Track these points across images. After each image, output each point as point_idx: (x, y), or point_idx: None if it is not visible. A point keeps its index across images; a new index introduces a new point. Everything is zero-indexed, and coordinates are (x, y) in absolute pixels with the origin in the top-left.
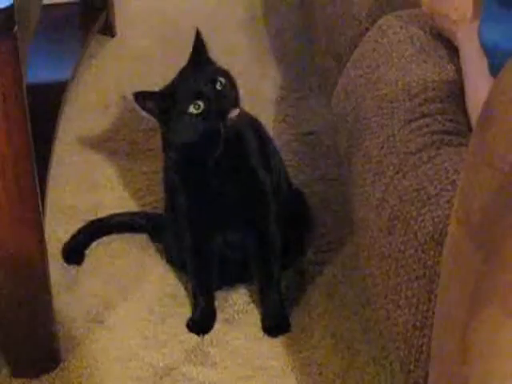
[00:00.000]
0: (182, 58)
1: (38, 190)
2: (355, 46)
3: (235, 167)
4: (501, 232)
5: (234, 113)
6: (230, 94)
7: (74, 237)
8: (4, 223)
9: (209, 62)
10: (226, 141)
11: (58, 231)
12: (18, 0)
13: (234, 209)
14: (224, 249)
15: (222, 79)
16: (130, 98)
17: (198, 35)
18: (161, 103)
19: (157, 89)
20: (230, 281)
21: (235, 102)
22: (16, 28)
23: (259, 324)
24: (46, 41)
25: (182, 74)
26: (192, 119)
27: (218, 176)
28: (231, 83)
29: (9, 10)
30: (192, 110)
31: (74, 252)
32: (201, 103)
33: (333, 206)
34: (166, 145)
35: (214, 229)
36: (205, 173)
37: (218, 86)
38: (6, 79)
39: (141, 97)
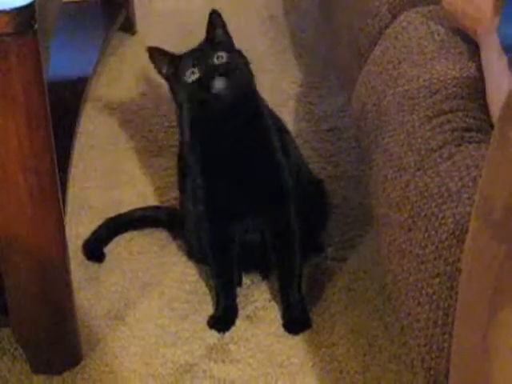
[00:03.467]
0: None
1: (59, 187)
2: (376, 43)
3: (253, 152)
4: None
5: (219, 83)
6: (229, 67)
7: (94, 234)
8: (26, 220)
9: (218, 38)
10: (244, 124)
11: (79, 228)
12: None
13: (252, 196)
14: (244, 241)
15: (223, 53)
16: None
17: (211, 14)
18: (167, 65)
19: None
20: (251, 271)
21: (238, 79)
22: (36, 26)
23: (280, 321)
24: (67, 38)
25: (194, 47)
26: (187, 86)
27: (235, 160)
28: (236, 60)
29: (29, 7)
30: (187, 76)
31: (95, 249)
32: (195, 71)
33: (353, 202)
34: (179, 118)
35: (233, 217)
36: (221, 155)
37: (216, 59)
38: (28, 76)
39: (154, 52)
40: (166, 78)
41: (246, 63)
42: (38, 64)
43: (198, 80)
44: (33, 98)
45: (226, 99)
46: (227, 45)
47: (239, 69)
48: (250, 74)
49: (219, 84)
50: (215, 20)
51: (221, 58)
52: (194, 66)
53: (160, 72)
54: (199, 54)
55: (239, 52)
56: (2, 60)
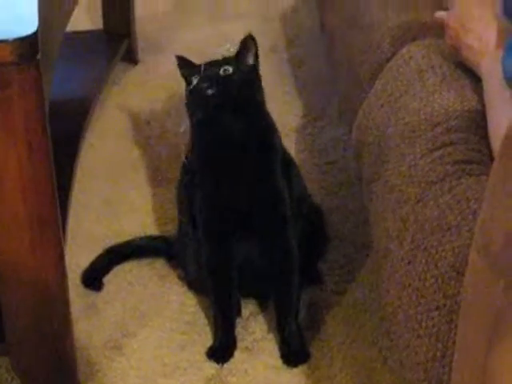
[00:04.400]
0: None
1: (59, 216)
2: (377, 76)
3: (255, 175)
4: None
5: (210, 90)
6: (231, 81)
7: (93, 263)
8: (25, 249)
9: (239, 56)
10: (247, 141)
11: (79, 258)
12: (41, 28)
13: (252, 220)
14: (243, 268)
15: (229, 67)
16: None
17: (246, 39)
18: (186, 73)
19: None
20: (249, 298)
21: (238, 91)
22: (39, 56)
23: (278, 353)
24: (69, 68)
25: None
26: (190, 91)
27: (236, 179)
28: (244, 76)
29: (32, 37)
30: (194, 81)
31: (94, 278)
32: (198, 78)
33: (353, 235)
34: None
35: (232, 240)
36: (222, 173)
37: (222, 72)
38: (29, 106)
39: (179, 61)
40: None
41: (257, 82)
42: (40, 94)
43: (196, 85)
44: (34, 128)
45: (217, 106)
46: (243, 63)
47: (243, 84)
48: (258, 93)
49: (210, 91)
50: (248, 44)
51: (227, 70)
52: (199, 74)
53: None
54: (210, 65)
55: (255, 72)
56: (3, 89)
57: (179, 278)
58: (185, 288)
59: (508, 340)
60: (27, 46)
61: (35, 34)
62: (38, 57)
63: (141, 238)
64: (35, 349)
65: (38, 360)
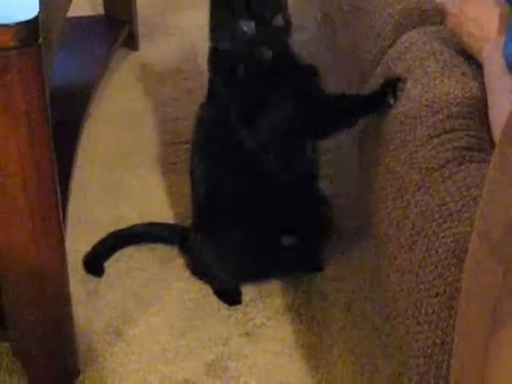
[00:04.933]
0: (204, 75)
1: (60, 201)
2: (378, 62)
3: None
4: None
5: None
6: (279, 32)
7: (94, 248)
8: (26, 234)
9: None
10: None
11: (79, 244)
12: (43, 13)
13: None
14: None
15: (279, 19)
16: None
17: None
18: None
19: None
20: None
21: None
22: (40, 40)
23: (278, 338)
24: (70, 53)
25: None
26: (240, 35)
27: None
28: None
29: (33, 22)
30: (243, 27)
31: (95, 263)
32: (253, 26)
33: (353, 221)
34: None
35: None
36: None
37: (275, 22)
38: (30, 91)
39: None
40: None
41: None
42: (41, 79)
43: (253, 36)
44: (34, 113)
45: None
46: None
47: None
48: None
49: (268, 54)
50: None
51: (276, 20)
52: (251, 19)
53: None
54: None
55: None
56: (4, 74)
57: (180, 264)
58: (186, 274)
59: (507, 327)
60: (28, 30)
61: (36, 18)
62: (39, 42)
63: (142, 225)
64: (36, 334)
65: (39, 345)
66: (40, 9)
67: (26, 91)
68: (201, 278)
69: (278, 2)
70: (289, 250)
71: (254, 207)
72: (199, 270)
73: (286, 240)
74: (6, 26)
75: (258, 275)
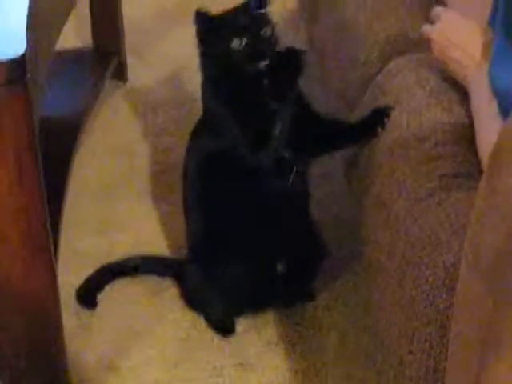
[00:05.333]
0: (195, 104)
1: (51, 234)
2: (365, 90)
3: None
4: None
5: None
6: (270, 44)
7: (87, 280)
8: (17, 270)
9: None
10: None
11: (71, 276)
12: (30, 48)
13: None
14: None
15: (268, 28)
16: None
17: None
18: (207, 28)
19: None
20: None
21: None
22: (28, 76)
23: (273, 368)
24: (59, 85)
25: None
26: (231, 54)
27: None
28: (274, 37)
29: (21, 58)
30: (234, 45)
31: (88, 296)
32: (244, 40)
33: (344, 248)
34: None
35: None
36: None
37: (263, 33)
38: (19, 127)
39: (198, 17)
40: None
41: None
42: (30, 115)
43: (246, 52)
44: (23, 148)
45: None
46: (268, 19)
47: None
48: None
49: (264, 63)
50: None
51: (265, 31)
52: (241, 35)
53: (200, 35)
54: (246, 24)
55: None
56: None
57: (172, 295)
58: (179, 305)
59: (499, 356)
60: (16, 67)
61: (23, 55)
62: (27, 78)
63: (135, 257)
64: (28, 368)
65: (32, 380)
66: (27, 45)
67: (15, 127)
68: (194, 309)
69: (264, 15)
70: (283, 279)
71: (249, 236)
72: (193, 301)
73: (281, 269)
74: None
75: (253, 306)
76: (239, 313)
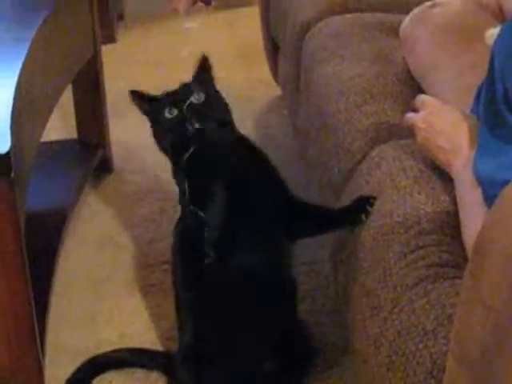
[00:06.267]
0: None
1: (37, 330)
2: (349, 178)
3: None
4: (499, 370)
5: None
6: (205, 109)
7: (74, 374)
8: (4, 366)
9: (200, 80)
10: None
11: (58, 371)
12: (14, 143)
13: None
14: None
15: (200, 94)
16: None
17: (203, 60)
18: (146, 105)
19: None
20: None
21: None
22: (13, 174)
23: None
24: (44, 178)
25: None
26: (167, 123)
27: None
28: (213, 102)
29: (4, 156)
30: (167, 114)
31: None
32: (174, 110)
33: (330, 337)
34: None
35: None
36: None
37: (194, 99)
38: (3, 224)
39: (134, 95)
40: (147, 117)
41: (224, 103)
42: (14, 210)
43: (177, 118)
44: (8, 244)
45: (204, 138)
46: (202, 85)
47: (216, 108)
48: (228, 113)
49: (196, 124)
50: (202, 65)
51: (196, 97)
52: (173, 106)
53: (141, 110)
54: (177, 95)
55: (217, 93)
56: None
57: None
58: None
59: None
60: (0, 164)
61: (8, 153)
62: (12, 175)
63: (123, 350)
64: None
65: None
66: (12, 141)
67: (0, 223)
68: None
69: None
70: (271, 378)
71: (236, 336)
72: None
73: (269, 367)
74: None
75: None
76: None
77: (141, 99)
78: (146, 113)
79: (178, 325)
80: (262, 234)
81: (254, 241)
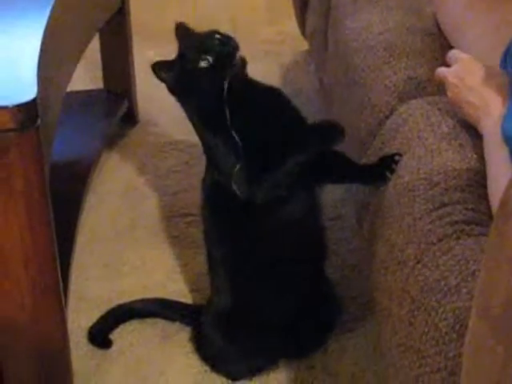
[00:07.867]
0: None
1: (61, 279)
2: (376, 134)
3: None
4: None
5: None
6: (230, 44)
7: (97, 322)
8: (27, 312)
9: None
10: None
11: (81, 320)
12: (41, 93)
13: None
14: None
15: (219, 35)
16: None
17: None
18: (173, 69)
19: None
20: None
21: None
22: (39, 121)
23: None
24: (70, 127)
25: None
26: (203, 73)
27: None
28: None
29: (32, 103)
30: (202, 64)
31: (101, 336)
32: (209, 57)
33: (354, 292)
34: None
35: None
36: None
37: (216, 40)
38: (29, 171)
39: (157, 67)
40: (172, 87)
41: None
42: (40, 159)
43: (215, 63)
44: (34, 193)
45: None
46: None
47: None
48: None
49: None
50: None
51: (218, 37)
52: (205, 53)
53: (166, 82)
54: (203, 42)
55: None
56: (3, 155)
57: (182, 339)
58: (188, 348)
59: None
60: (27, 112)
61: (34, 100)
62: (38, 123)
63: (144, 300)
64: None
65: None
66: (38, 89)
67: (25, 172)
68: (206, 361)
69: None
70: (298, 334)
71: (276, 295)
72: (208, 356)
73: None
74: (5, 107)
75: (268, 362)
76: (256, 369)
77: (163, 70)
78: (171, 84)
79: (212, 284)
80: (293, 175)
81: (288, 183)
